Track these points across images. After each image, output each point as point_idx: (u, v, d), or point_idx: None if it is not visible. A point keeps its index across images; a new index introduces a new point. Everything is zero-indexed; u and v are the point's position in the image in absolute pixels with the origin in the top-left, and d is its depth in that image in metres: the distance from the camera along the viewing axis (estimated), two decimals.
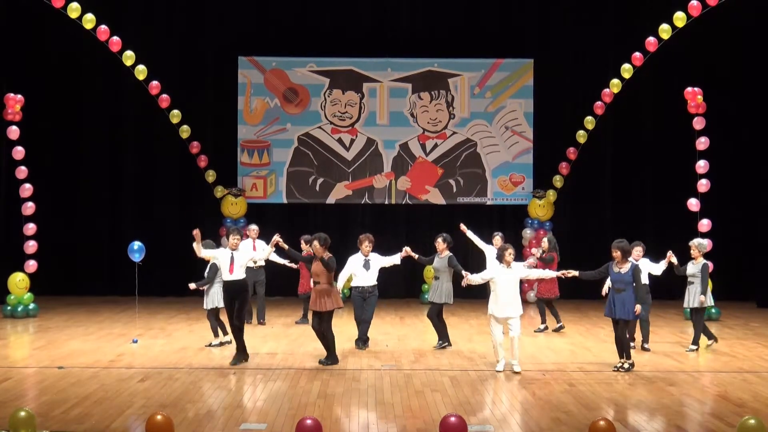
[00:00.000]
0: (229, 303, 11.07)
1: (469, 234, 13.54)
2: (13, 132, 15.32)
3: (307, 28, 18.52)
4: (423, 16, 18.56)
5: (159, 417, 6.89)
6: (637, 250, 12.30)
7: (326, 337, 10.79)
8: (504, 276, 10.46)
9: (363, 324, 12.09)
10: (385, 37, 18.59)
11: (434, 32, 18.52)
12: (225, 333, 12.06)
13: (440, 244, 12.17)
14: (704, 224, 15.60)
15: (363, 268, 12.08)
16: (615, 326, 10.56)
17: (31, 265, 15.35)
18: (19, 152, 15.36)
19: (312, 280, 11.03)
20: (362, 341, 12.12)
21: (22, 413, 6.94)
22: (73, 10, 15.01)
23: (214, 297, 11.90)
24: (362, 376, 10.15)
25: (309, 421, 6.72)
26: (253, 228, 14.89)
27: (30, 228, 15.39)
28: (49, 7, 15.03)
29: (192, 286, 11.87)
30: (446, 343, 12.17)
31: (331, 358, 10.79)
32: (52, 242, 17.16)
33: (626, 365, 10.49)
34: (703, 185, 15.64)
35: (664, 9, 15.82)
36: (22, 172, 15.40)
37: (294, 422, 7.52)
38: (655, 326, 14.50)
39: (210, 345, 12.02)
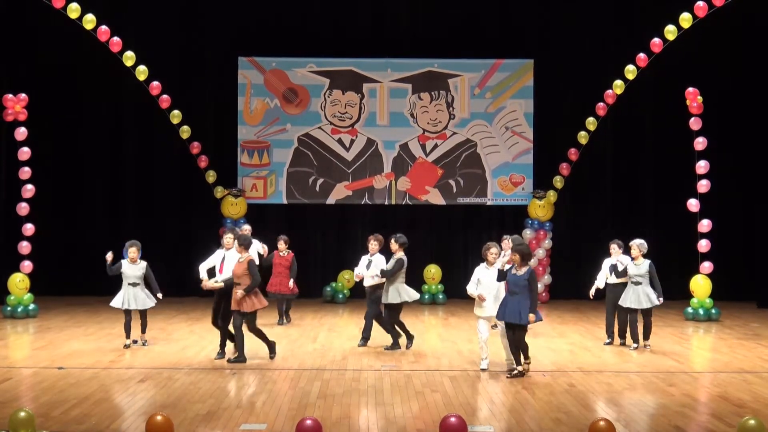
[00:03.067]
0: (217, 302, 11.27)
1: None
2: (21, 133, 15.28)
3: (307, 28, 18.51)
4: (423, 16, 18.55)
5: (159, 417, 6.90)
6: (613, 248, 12.40)
7: (240, 336, 10.92)
8: (486, 276, 10.47)
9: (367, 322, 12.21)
10: (385, 37, 18.58)
11: (434, 33, 18.50)
12: (128, 336, 12.00)
13: (377, 244, 12.14)
14: (704, 224, 15.62)
15: (365, 268, 12.11)
16: (507, 330, 10.14)
17: (27, 266, 15.31)
18: (24, 153, 15.30)
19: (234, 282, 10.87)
20: (365, 339, 12.22)
21: (22, 413, 6.94)
22: (73, 11, 15.00)
23: (122, 298, 11.87)
24: (362, 376, 10.15)
25: (309, 422, 6.72)
26: (247, 228, 14.95)
27: (29, 228, 15.32)
28: (50, 7, 15.03)
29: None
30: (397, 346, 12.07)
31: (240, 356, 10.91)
32: (52, 242, 17.16)
33: (517, 371, 10.13)
34: (703, 186, 15.65)
35: (665, 9, 15.83)
36: (25, 173, 15.34)
37: (294, 422, 7.52)
38: (655, 326, 14.47)
39: (126, 346, 11.95)
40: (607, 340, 12.59)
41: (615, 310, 12.43)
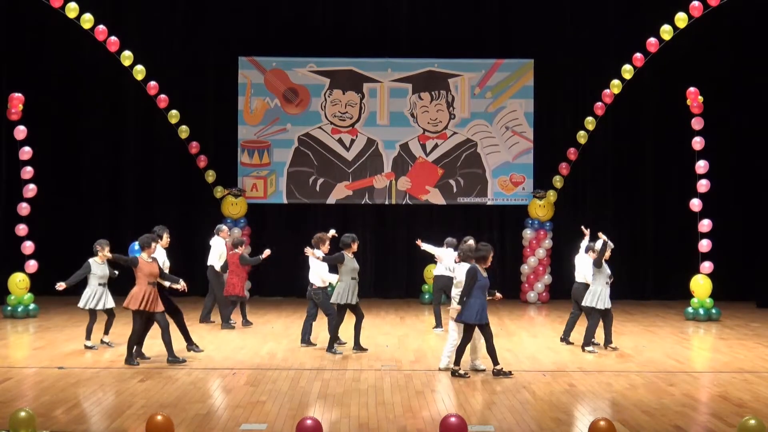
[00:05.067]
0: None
1: (425, 246, 13.93)
2: (20, 132, 15.26)
3: (307, 28, 18.52)
4: (423, 16, 18.56)
5: (159, 417, 6.89)
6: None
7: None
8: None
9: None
10: (385, 37, 18.59)
11: (434, 32, 18.50)
12: (88, 338, 11.93)
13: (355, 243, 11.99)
14: (704, 224, 15.61)
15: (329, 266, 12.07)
16: (485, 330, 10.14)
17: (32, 266, 15.29)
18: (26, 153, 15.28)
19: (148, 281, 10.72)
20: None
21: (23, 413, 6.94)
22: (71, 10, 15.00)
23: (88, 298, 11.83)
24: (362, 376, 10.15)
25: (309, 422, 6.72)
26: (225, 229, 14.86)
27: (21, 228, 15.28)
28: (48, 6, 15.02)
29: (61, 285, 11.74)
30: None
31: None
32: (51, 242, 17.15)
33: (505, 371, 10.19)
34: (703, 185, 15.65)
35: (665, 9, 15.83)
36: (27, 173, 15.30)
37: (294, 422, 7.52)
38: (655, 326, 14.54)
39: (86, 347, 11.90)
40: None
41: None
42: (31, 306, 15.14)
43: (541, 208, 18.06)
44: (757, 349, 12.33)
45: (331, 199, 18.51)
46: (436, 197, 18.54)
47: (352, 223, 18.69)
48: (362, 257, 18.59)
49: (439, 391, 9.39)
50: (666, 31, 15.45)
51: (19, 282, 15.16)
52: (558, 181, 18.04)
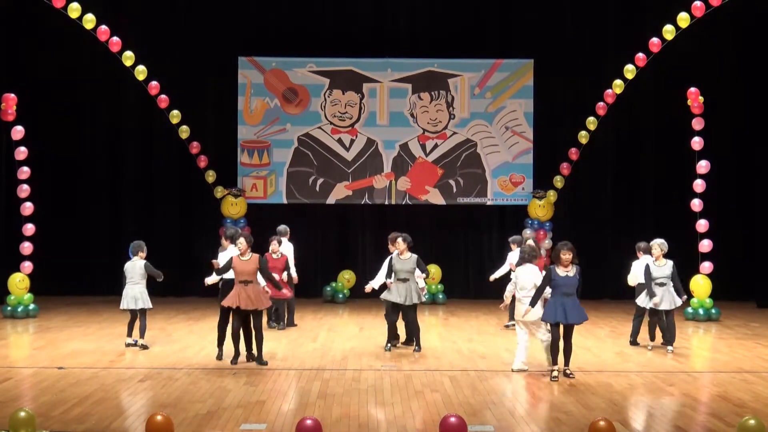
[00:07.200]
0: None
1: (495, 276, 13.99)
2: (17, 132, 15.26)
3: (307, 28, 18.50)
4: (423, 16, 18.56)
5: (159, 417, 6.90)
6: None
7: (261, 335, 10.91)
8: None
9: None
10: (385, 37, 18.58)
11: (434, 32, 18.50)
12: (130, 335, 11.94)
13: (400, 244, 11.73)
14: (702, 224, 15.62)
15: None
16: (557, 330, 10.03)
17: (27, 267, 15.28)
18: (22, 153, 15.30)
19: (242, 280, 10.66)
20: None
21: (22, 413, 6.94)
22: (74, 10, 15.00)
23: (127, 298, 11.77)
24: (362, 376, 10.16)
25: (309, 421, 6.73)
26: (284, 228, 14.54)
27: (30, 228, 15.31)
28: (50, 7, 15.02)
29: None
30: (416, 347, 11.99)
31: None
32: (52, 242, 17.16)
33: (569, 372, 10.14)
34: (699, 185, 15.65)
35: (664, 10, 15.84)
36: (24, 173, 15.32)
37: (294, 422, 7.53)
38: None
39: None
40: (646, 344, 12.39)
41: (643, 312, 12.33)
42: (31, 306, 15.14)
43: (541, 208, 18.05)
44: (756, 349, 12.34)
45: (331, 199, 18.51)
46: (435, 197, 18.54)
47: (352, 223, 18.73)
48: (362, 257, 18.70)
49: (439, 391, 9.39)
50: (668, 31, 15.43)
51: (18, 282, 15.17)
52: (559, 181, 18.03)
